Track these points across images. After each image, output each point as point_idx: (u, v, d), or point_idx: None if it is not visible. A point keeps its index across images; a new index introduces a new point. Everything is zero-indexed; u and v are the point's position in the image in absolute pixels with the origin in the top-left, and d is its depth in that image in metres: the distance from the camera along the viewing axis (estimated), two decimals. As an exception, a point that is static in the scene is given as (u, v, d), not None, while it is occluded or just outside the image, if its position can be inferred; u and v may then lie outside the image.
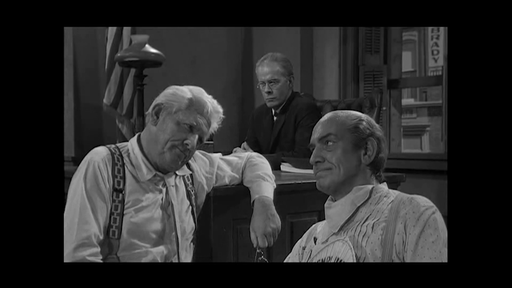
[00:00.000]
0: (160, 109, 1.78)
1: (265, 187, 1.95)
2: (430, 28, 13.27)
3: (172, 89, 1.82)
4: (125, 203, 1.70)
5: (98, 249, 1.63)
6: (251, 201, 1.92)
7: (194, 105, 1.77)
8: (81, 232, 1.61)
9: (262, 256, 1.79)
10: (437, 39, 13.53)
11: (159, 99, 1.81)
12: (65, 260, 1.57)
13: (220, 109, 1.84)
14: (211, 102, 1.81)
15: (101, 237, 1.65)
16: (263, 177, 1.99)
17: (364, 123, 1.56)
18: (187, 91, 1.80)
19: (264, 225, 1.81)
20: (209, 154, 2.02)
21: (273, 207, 1.89)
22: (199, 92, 1.82)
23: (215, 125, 1.84)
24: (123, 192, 1.71)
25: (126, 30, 3.68)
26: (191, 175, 1.90)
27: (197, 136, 1.78)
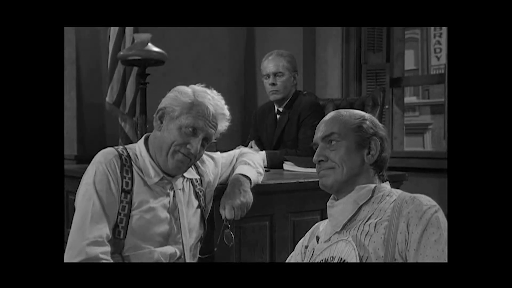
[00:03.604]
0: (163, 114, 1.78)
1: (245, 169, 1.97)
2: (432, 27, 13.24)
3: (174, 92, 1.79)
4: (132, 203, 1.70)
5: (109, 249, 1.63)
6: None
7: (196, 109, 1.74)
8: (94, 231, 1.61)
9: (229, 229, 1.80)
10: (439, 37, 13.50)
11: (163, 103, 1.80)
12: (76, 257, 1.57)
13: (225, 110, 1.81)
14: (213, 105, 1.77)
15: (110, 237, 1.66)
16: (246, 161, 2.01)
17: (367, 122, 1.56)
18: (190, 93, 1.77)
19: (233, 197, 1.81)
20: (211, 154, 2.02)
21: (248, 185, 1.90)
22: (202, 95, 1.78)
23: (223, 124, 1.81)
24: (131, 193, 1.71)
25: (129, 29, 3.68)
26: (200, 177, 1.90)
27: (201, 139, 1.75)
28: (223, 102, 1.82)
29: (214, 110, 1.76)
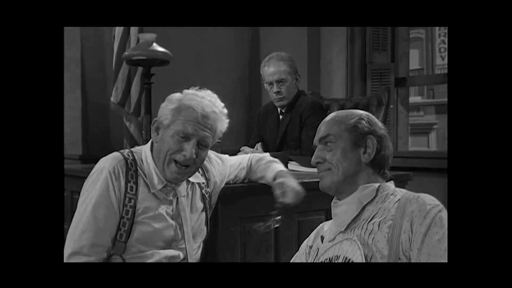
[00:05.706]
0: (158, 125, 1.75)
1: (280, 167, 2.03)
2: (437, 26, 13.22)
3: (165, 102, 1.76)
4: (136, 209, 1.69)
5: (92, 258, 1.62)
6: (271, 177, 1.96)
7: (183, 114, 1.70)
8: (80, 240, 1.62)
9: (276, 222, 1.86)
10: (444, 37, 13.48)
11: (158, 114, 1.77)
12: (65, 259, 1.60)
13: (217, 108, 1.74)
14: (201, 106, 1.70)
15: (107, 245, 1.66)
16: (274, 160, 2.07)
17: (363, 121, 1.56)
18: (176, 99, 1.73)
19: (296, 184, 1.88)
20: (220, 155, 2.02)
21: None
22: (189, 98, 1.73)
23: (221, 123, 1.76)
24: (135, 198, 1.70)
25: (134, 29, 3.69)
26: (206, 179, 1.89)
27: (195, 143, 1.70)
28: (214, 100, 1.75)
29: (202, 110, 1.70)
